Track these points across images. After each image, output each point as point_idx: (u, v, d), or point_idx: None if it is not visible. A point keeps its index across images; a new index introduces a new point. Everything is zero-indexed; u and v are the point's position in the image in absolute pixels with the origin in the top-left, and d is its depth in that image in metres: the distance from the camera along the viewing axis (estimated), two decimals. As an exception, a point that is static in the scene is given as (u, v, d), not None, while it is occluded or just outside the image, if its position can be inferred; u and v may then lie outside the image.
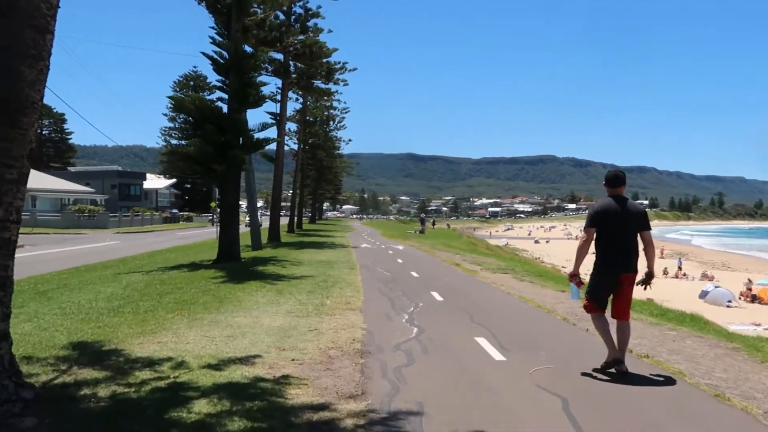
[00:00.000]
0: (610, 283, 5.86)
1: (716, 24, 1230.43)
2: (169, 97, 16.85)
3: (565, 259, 38.89)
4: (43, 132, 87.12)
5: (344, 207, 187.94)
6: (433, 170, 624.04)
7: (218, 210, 18.61)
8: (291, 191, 65.83)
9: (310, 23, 31.03)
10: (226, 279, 13.06)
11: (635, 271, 5.85)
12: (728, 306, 24.01)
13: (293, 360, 6.04)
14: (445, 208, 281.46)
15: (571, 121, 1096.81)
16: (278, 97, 33.99)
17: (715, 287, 26.67)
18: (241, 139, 17.46)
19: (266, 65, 30.97)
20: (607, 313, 6.02)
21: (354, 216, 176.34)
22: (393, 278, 14.24)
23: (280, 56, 32.35)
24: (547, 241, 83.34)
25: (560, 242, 78.20)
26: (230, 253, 17.37)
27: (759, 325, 19.22)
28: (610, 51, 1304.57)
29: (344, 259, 18.99)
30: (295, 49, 32.55)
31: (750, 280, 27.91)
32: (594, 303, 5.94)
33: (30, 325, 7.76)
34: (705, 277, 35.56)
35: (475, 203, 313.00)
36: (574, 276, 6.07)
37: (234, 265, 16.34)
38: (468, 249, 32.19)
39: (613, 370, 5.74)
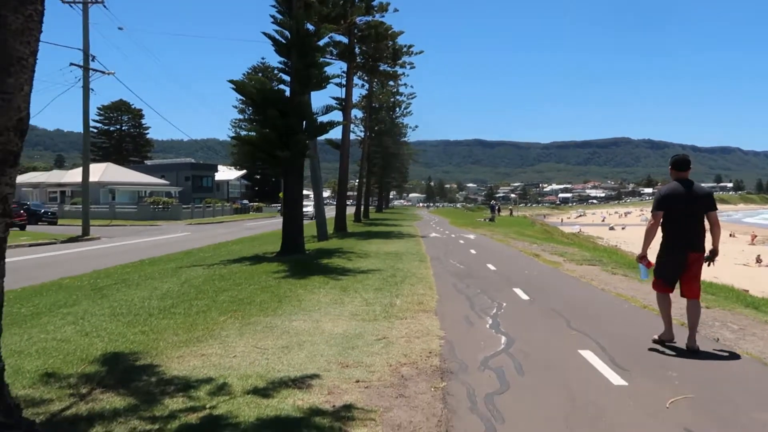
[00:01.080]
0: (678, 263, 6.09)
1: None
2: (229, 81, 16.05)
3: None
4: (123, 128, 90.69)
5: (410, 195, 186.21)
6: (501, 156, 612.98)
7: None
8: (357, 180, 65.37)
9: (375, 2, 29.78)
10: (288, 274, 12.13)
11: (702, 251, 6.07)
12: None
13: (358, 381, 4.89)
14: (513, 195, 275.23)
15: (646, 100, 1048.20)
16: (344, 82, 33.07)
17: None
18: (304, 123, 16.52)
19: (331, 48, 30.05)
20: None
21: (421, 204, 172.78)
22: (468, 272, 12.92)
23: (344, 39, 31.37)
24: (623, 228, 78.75)
25: (637, 228, 74.01)
26: (294, 245, 16.51)
27: None
28: (684, 25, 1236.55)
29: (413, 251, 17.79)
30: (360, 30, 31.48)
31: None
32: (663, 281, 6.25)
33: (72, 328, 7.00)
34: (806, 266, 32.34)
35: (545, 189, 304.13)
36: (643, 258, 6.38)
37: (298, 257, 15.46)
38: (544, 237, 30.30)
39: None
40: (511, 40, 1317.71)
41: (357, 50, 32.86)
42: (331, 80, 17.32)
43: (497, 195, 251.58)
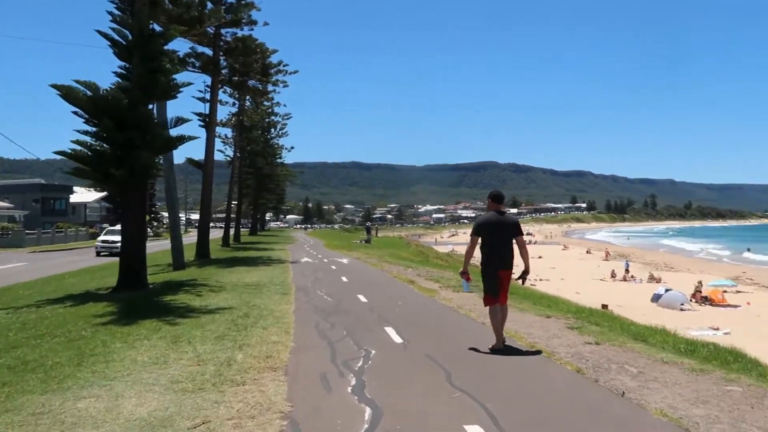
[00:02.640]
0: (494, 278, 7.19)
1: (643, 31, 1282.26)
2: (53, 86, 13.30)
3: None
4: (-41, 143, 80.00)
5: (288, 217, 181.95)
6: (378, 178, 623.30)
7: (124, 223, 14.98)
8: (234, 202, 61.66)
9: (244, 14, 27.74)
10: (113, 318, 9.76)
11: (511, 268, 7.26)
12: (681, 309, 23.09)
13: None
14: (390, 216, 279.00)
15: (511, 128, 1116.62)
16: (208, 96, 30.51)
17: (666, 290, 25.65)
18: (148, 137, 14.12)
19: (193, 59, 27.48)
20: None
21: (298, 226, 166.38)
22: (336, 306, 11.25)
23: (209, 51, 28.94)
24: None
25: None
26: (135, 278, 13.92)
27: (717, 329, 18.28)
28: (540, 58, 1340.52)
29: (278, 280, 15.80)
30: (226, 43, 29.23)
31: (700, 282, 26.53)
32: (489, 296, 7.27)
33: None
34: (652, 278, 34.42)
35: (420, 210, 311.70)
36: (464, 273, 7.60)
37: (137, 294, 12.95)
38: (419, 260, 29.45)
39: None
40: (385, 69, 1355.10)
41: (224, 63, 30.49)
42: (181, 89, 14.93)
43: (374, 216, 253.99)
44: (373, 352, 7.15)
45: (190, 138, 15.06)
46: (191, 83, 15.59)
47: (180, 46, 46.55)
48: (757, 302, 25.01)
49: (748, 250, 67.60)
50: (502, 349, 7.03)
